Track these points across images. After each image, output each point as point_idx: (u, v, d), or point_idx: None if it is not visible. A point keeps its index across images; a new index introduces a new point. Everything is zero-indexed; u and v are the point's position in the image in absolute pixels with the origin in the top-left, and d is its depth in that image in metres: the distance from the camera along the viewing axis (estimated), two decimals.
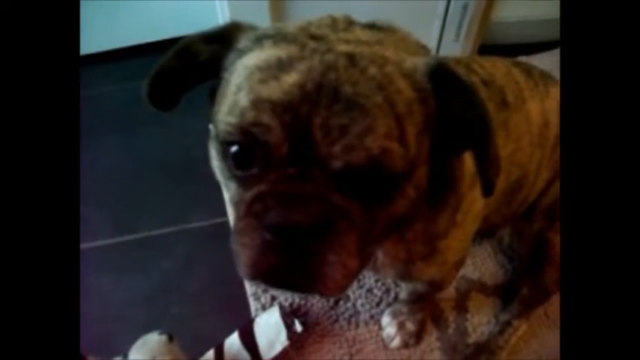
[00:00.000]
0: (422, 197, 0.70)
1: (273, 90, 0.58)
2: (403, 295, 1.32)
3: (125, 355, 1.12)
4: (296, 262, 0.60)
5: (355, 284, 1.41)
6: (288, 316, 1.28)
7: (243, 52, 0.66)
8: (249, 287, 1.42)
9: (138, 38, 2.07)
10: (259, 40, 0.65)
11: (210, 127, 0.70)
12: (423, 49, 0.74)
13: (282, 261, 0.60)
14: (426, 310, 1.34)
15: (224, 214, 1.59)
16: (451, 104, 0.65)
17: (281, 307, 1.30)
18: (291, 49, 0.61)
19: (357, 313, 1.38)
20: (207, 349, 1.26)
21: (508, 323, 1.34)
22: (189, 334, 1.30)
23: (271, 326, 1.27)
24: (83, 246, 1.53)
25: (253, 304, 1.39)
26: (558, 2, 0.85)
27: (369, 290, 1.42)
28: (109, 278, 1.47)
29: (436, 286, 1.12)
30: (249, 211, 0.61)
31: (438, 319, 1.39)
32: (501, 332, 1.34)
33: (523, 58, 1.91)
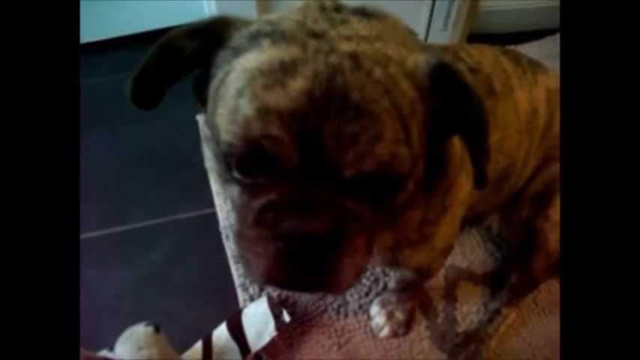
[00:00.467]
0: (418, 187, 0.71)
1: (280, 98, 0.56)
2: (392, 284, 1.32)
3: (112, 347, 1.12)
4: (310, 267, 0.61)
5: None
6: (276, 306, 1.27)
7: (238, 51, 0.63)
8: (237, 278, 1.41)
9: (124, 29, 2.05)
10: (255, 38, 0.62)
11: (200, 121, 0.70)
12: (412, 35, 0.75)
13: (297, 267, 0.61)
14: (414, 299, 1.34)
15: (212, 204, 1.58)
16: (450, 101, 0.65)
17: (269, 298, 1.29)
18: (293, 50, 0.58)
19: (345, 303, 1.38)
20: (196, 340, 1.26)
21: (497, 311, 1.34)
22: (177, 325, 1.30)
23: (259, 317, 1.26)
24: None
25: (241, 295, 1.38)
26: None
27: None
28: (96, 270, 1.46)
29: (424, 273, 1.12)
30: (260, 220, 0.61)
31: (427, 308, 1.39)
32: (490, 321, 1.34)
33: (512, 47, 1.90)
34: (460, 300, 1.41)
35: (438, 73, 0.64)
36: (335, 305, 1.37)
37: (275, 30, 0.62)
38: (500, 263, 1.48)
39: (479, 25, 2.01)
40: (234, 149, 0.60)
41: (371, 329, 1.34)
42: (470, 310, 1.39)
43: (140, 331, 1.11)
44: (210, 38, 0.66)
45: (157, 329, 1.12)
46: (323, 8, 0.70)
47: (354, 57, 0.58)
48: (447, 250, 1.09)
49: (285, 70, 0.57)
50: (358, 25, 0.64)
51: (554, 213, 1.24)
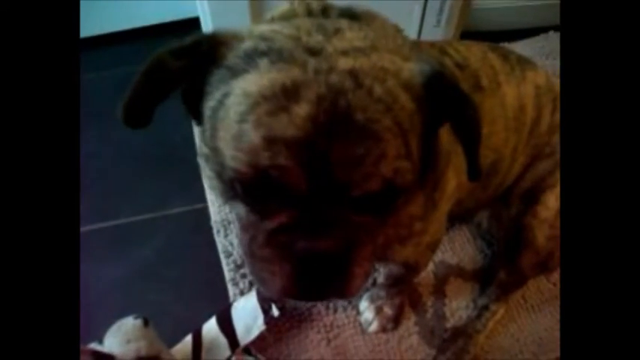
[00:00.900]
0: (416, 185, 0.72)
1: (286, 125, 0.56)
2: (381, 279, 1.32)
3: (101, 340, 1.12)
4: (324, 279, 0.65)
5: None
6: (266, 301, 1.27)
7: (235, 72, 0.62)
8: (227, 273, 1.42)
9: (116, 26, 2.03)
10: (251, 57, 0.62)
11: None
12: (399, 33, 0.77)
13: (313, 281, 0.65)
14: (403, 294, 1.34)
15: (203, 199, 1.59)
16: (443, 106, 0.67)
17: (258, 293, 1.30)
18: (294, 72, 0.59)
19: None
20: (186, 335, 1.26)
21: (486, 307, 1.35)
22: (168, 319, 1.31)
23: (248, 311, 1.27)
24: None
25: (232, 290, 1.39)
26: None
27: None
28: (88, 265, 1.46)
29: (411, 268, 1.13)
30: (273, 241, 0.64)
31: (416, 303, 1.39)
32: (479, 316, 1.35)
33: (505, 45, 1.91)
34: (449, 296, 1.41)
35: (431, 81, 0.65)
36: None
37: (271, 48, 0.62)
38: (490, 260, 1.49)
39: (472, 22, 2.01)
40: (241, 176, 0.61)
41: (360, 324, 1.35)
42: (459, 306, 1.40)
43: (129, 324, 1.11)
44: (199, 57, 0.66)
45: (146, 323, 1.12)
46: (310, 12, 0.71)
47: (353, 75, 0.59)
48: (434, 245, 1.09)
49: (287, 94, 0.57)
50: (351, 35, 0.65)
51: (543, 210, 1.24)
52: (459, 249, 1.51)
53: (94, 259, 1.48)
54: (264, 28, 0.67)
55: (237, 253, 1.45)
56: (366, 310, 1.34)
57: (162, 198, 1.63)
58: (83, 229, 1.54)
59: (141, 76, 0.66)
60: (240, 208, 0.67)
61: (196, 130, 0.72)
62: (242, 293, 1.37)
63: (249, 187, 0.62)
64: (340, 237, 0.63)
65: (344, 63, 0.60)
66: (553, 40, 2.10)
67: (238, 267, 1.42)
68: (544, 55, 2.04)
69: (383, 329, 1.33)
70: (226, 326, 1.25)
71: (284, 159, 0.57)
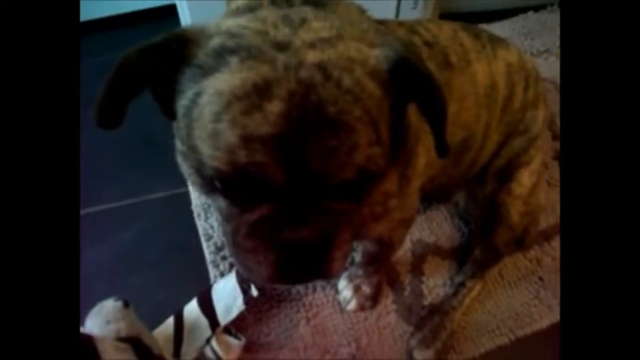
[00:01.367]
0: (388, 162, 0.73)
1: (260, 123, 0.58)
2: (358, 258, 1.34)
3: (82, 323, 1.13)
4: (307, 264, 0.69)
5: None
6: (245, 281, 1.29)
7: (205, 70, 0.63)
8: (208, 255, 1.44)
9: (101, 11, 2.01)
10: (220, 55, 0.63)
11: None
12: (363, 15, 0.80)
13: (296, 267, 0.69)
14: (381, 273, 1.36)
15: (184, 184, 1.59)
16: (408, 87, 0.69)
17: (237, 273, 1.31)
18: (264, 69, 0.60)
19: None
20: (168, 317, 1.27)
21: (462, 284, 1.37)
22: (150, 302, 1.33)
23: (228, 292, 1.28)
24: None
25: (212, 271, 1.40)
26: None
27: None
28: None
29: (385, 244, 1.14)
30: (256, 233, 0.67)
31: (393, 282, 1.41)
32: (455, 293, 1.36)
33: (484, 26, 1.92)
34: (427, 274, 1.43)
35: (396, 66, 0.67)
36: None
37: (240, 45, 0.62)
38: (467, 238, 1.51)
39: (450, 3, 2.02)
40: (220, 174, 0.62)
41: (338, 303, 1.37)
42: (436, 284, 1.42)
43: (109, 305, 1.13)
44: (169, 55, 0.66)
45: (126, 304, 1.14)
46: (274, 0, 0.72)
47: (322, 68, 0.60)
48: (408, 221, 1.11)
49: (259, 92, 0.59)
50: (317, 25, 0.66)
51: (517, 187, 1.27)
52: (436, 228, 1.53)
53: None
54: (230, 23, 0.67)
55: (217, 235, 1.47)
56: (345, 288, 1.36)
57: (143, 183, 1.64)
58: None
59: (112, 75, 0.67)
60: (221, 202, 0.69)
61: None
62: (222, 275, 1.38)
63: (228, 183, 0.64)
64: (320, 225, 0.65)
65: (312, 56, 0.61)
66: (532, 20, 2.12)
67: (219, 249, 1.43)
68: (523, 35, 2.05)
69: (361, 307, 1.35)
70: (207, 307, 1.27)
71: (261, 156, 0.59)
